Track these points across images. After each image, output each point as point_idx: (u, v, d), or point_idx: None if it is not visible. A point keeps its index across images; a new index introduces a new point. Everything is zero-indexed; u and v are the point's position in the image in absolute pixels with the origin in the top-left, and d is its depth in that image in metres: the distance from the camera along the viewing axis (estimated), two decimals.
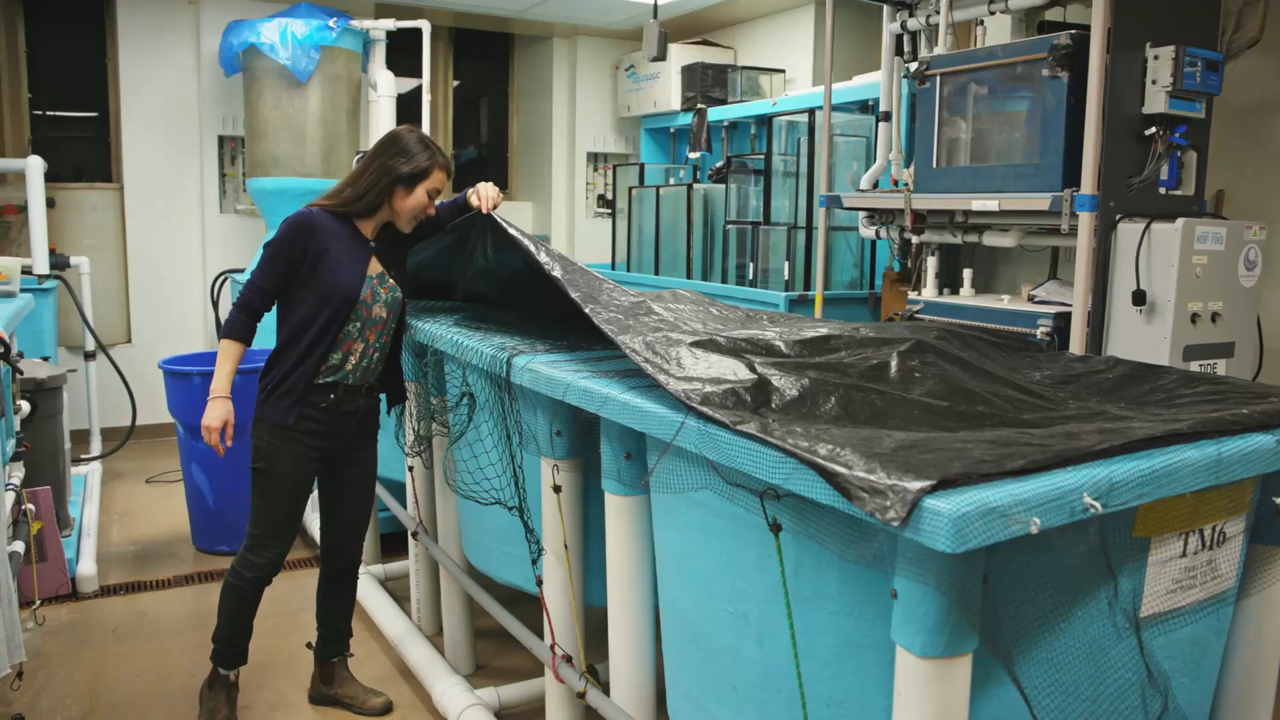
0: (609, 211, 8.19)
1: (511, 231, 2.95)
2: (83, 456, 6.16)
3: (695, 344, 2.08)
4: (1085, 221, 3.63)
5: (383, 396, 3.37)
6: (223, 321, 3.07)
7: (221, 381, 3.04)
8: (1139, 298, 3.53)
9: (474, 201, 3.14)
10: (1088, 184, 3.61)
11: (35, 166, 5.73)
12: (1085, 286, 3.67)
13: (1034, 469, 1.45)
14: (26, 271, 5.44)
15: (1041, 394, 2.23)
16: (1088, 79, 3.57)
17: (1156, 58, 3.59)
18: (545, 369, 2.35)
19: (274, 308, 3.13)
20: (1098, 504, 1.42)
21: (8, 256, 4.92)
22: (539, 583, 2.67)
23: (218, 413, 3.05)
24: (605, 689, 2.55)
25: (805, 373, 2.04)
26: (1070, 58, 3.69)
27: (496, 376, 2.63)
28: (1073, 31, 3.73)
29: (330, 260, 3.03)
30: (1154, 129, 3.65)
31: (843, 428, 1.72)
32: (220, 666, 3.28)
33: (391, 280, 3.18)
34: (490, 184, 3.20)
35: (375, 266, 3.15)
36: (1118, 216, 3.65)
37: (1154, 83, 3.61)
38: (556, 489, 2.50)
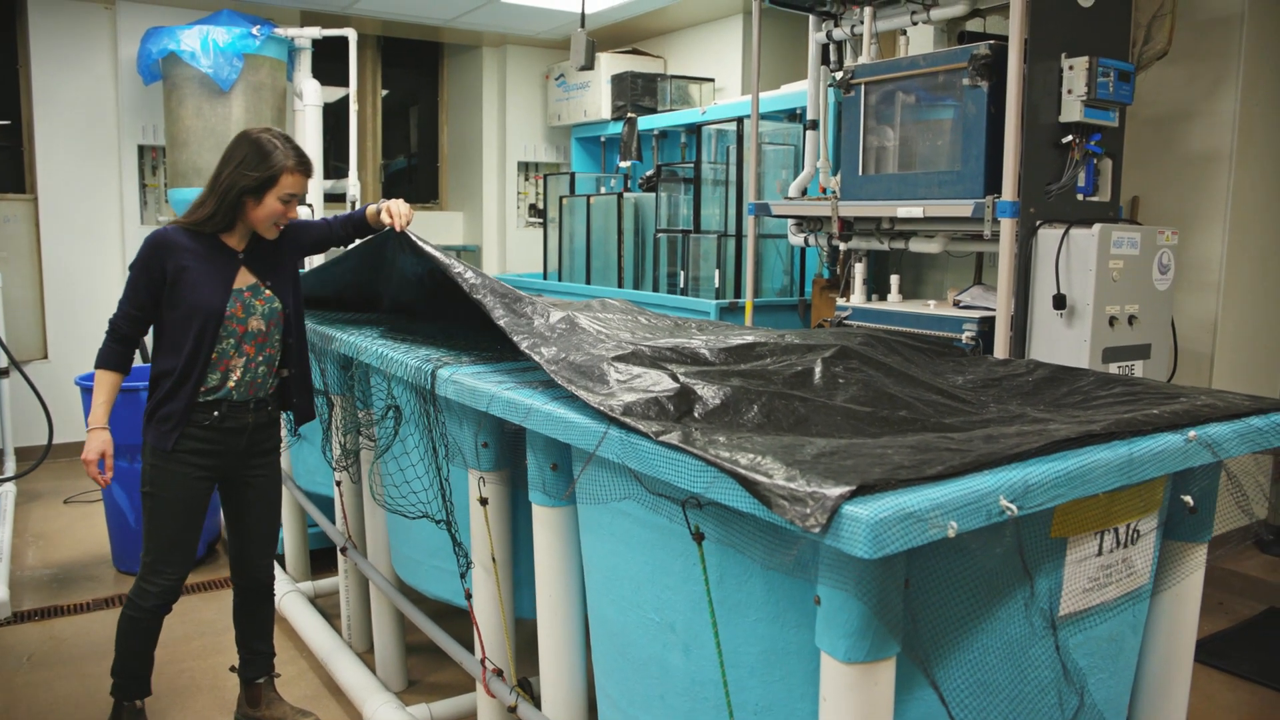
0: (540, 221, 8.17)
1: (428, 249, 2.89)
2: None
3: (618, 357, 2.07)
4: (1007, 227, 3.70)
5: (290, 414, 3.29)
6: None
7: (98, 412, 2.95)
8: (1059, 301, 3.61)
9: (385, 220, 3.06)
10: (1008, 190, 3.68)
11: None
12: (1008, 291, 3.74)
13: (952, 473, 1.47)
14: None
15: (963, 398, 2.26)
16: (1006, 88, 3.65)
17: (1071, 68, 3.68)
18: (470, 380, 2.32)
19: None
20: (1013, 506, 1.44)
21: None
22: (468, 596, 2.63)
23: (95, 444, 2.97)
24: (537, 702, 2.52)
25: (729, 381, 2.04)
26: (989, 67, 3.77)
27: (421, 389, 2.59)
28: (991, 42, 3.80)
29: (189, 278, 2.92)
30: (1070, 137, 3.74)
31: (765, 435, 1.72)
32: (124, 699, 3.16)
33: (268, 291, 3.07)
34: (401, 200, 3.12)
35: (245, 279, 3.03)
36: (1038, 222, 3.73)
37: (1069, 92, 3.70)
38: (483, 501, 2.47)
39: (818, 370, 2.23)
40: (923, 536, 1.36)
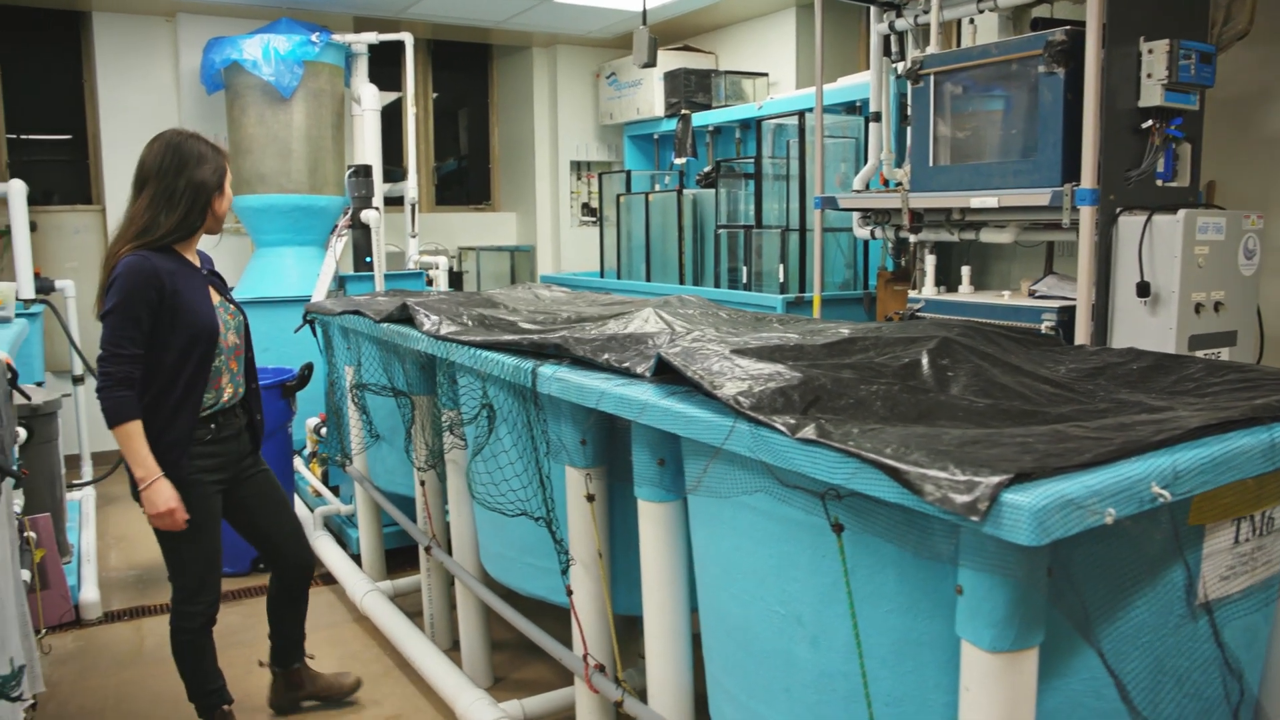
0: (594, 219, 8.20)
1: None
2: (75, 482, 6.06)
3: (734, 351, 2.08)
4: (1086, 215, 3.66)
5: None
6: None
7: (148, 464, 2.85)
8: (1143, 289, 3.56)
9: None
10: (1088, 178, 3.64)
11: (18, 190, 5.66)
12: (1088, 280, 3.70)
13: (1101, 461, 1.46)
14: None
15: (1072, 387, 2.24)
16: (1084, 74, 3.60)
17: (1151, 51, 3.63)
18: (575, 378, 2.33)
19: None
20: (1166, 493, 1.43)
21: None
22: (569, 593, 2.65)
23: (165, 495, 2.86)
24: (641, 696, 2.54)
25: (841, 373, 2.04)
26: (1065, 54, 3.72)
27: (521, 387, 2.61)
28: (1067, 28, 3.76)
29: (184, 300, 2.90)
30: (1150, 122, 3.69)
31: (894, 427, 1.72)
32: (215, 708, 3.22)
33: (232, 305, 3.17)
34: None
35: (214, 295, 3.08)
36: (1118, 210, 3.69)
37: (1149, 76, 3.66)
38: (590, 498, 2.49)
39: (925, 362, 2.22)
40: (1081, 524, 1.35)
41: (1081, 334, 3.76)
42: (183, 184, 2.90)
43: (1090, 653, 1.65)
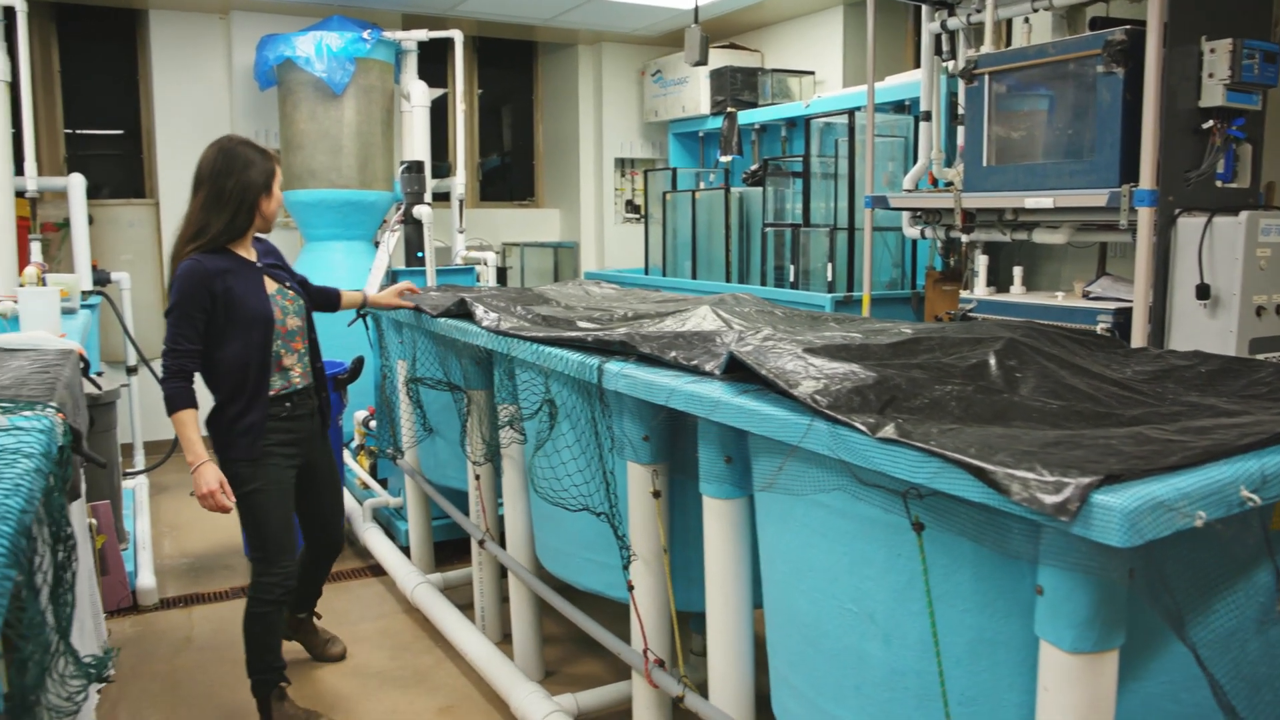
0: (637, 216, 8.22)
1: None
2: (128, 470, 6.18)
3: (806, 350, 2.09)
4: (1145, 216, 3.64)
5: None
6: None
7: (197, 449, 3.06)
8: (1203, 292, 3.54)
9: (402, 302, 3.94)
10: (1146, 179, 3.62)
11: (77, 184, 5.76)
12: (1145, 282, 3.68)
13: (1189, 464, 1.46)
14: None
15: (1140, 390, 2.23)
16: (1144, 74, 3.58)
17: (1213, 51, 3.60)
18: (643, 375, 2.36)
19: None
20: (1255, 497, 1.43)
21: (61, 274, 4.95)
22: (630, 588, 2.68)
23: (210, 476, 3.07)
24: (701, 691, 2.56)
25: (913, 373, 2.05)
26: (1125, 53, 3.70)
27: (585, 383, 2.64)
28: (1127, 27, 3.73)
29: (236, 295, 3.11)
30: (1211, 122, 3.66)
31: (972, 428, 1.73)
32: (268, 695, 3.32)
33: (291, 291, 3.35)
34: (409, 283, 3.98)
35: (271, 285, 3.27)
36: (1177, 211, 3.66)
37: (1211, 76, 3.62)
38: (656, 494, 2.51)
39: (992, 363, 2.22)
40: (1172, 526, 1.36)
41: (1138, 336, 3.73)
42: (231, 185, 3.10)
43: (1168, 656, 1.65)
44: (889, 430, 1.64)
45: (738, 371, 2.17)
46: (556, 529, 3.13)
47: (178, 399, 3.06)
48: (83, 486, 3.87)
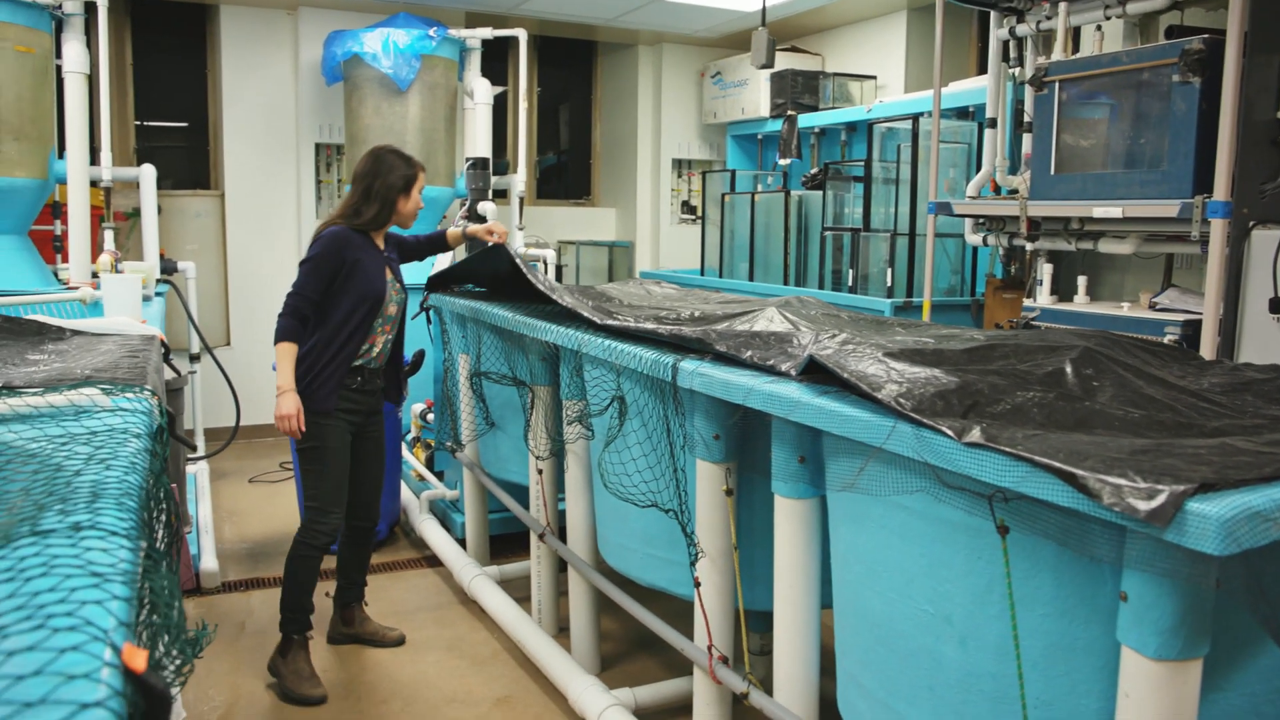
0: (693, 217, 8.24)
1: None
2: (190, 456, 6.31)
3: (886, 354, 2.11)
4: (1217, 228, 3.60)
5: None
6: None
7: (287, 377, 3.50)
8: (1276, 305, 3.49)
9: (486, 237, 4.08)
10: (1220, 190, 3.58)
11: (149, 175, 5.89)
12: (1217, 294, 3.64)
13: (1277, 476, 1.46)
14: None
15: (1219, 402, 2.22)
16: (1222, 84, 3.55)
17: None
18: (719, 374, 2.38)
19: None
20: None
21: (132, 262, 5.07)
22: (696, 584, 2.70)
23: (291, 402, 3.49)
24: (766, 689, 2.58)
25: (990, 379, 2.05)
26: (1202, 63, 3.67)
27: (658, 381, 2.67)
28: (1205, 36, 3.70)
29: (362, 268, 3.59)
30: None
31: (1055, 434, 1.74)
32: (294, 633, 3.66)
33: (398, 285, 3.79)
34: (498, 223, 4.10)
35: (388, 273, 3.73)
36: (1251, 223, 3.62)
37: None
38: (729, 492, 2.54)
39: (1069, 371, 2.22)
40: (1267, 536, 1.36)
41: (1207, 348, 3.69)
42: (376, 185, 3.62)
43: (1253, 668, 1.65)
44: (975, 434, 1.65)
45: (815, 373, 2.19)
46: (621, 525, 3.17)
47: (287, 332, 3.51)
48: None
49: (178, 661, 1.71)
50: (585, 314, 3.17)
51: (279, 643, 3.67)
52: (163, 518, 1.88)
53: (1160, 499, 1.37)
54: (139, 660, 0.85)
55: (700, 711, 2.87)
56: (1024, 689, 1.77)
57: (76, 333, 3.04)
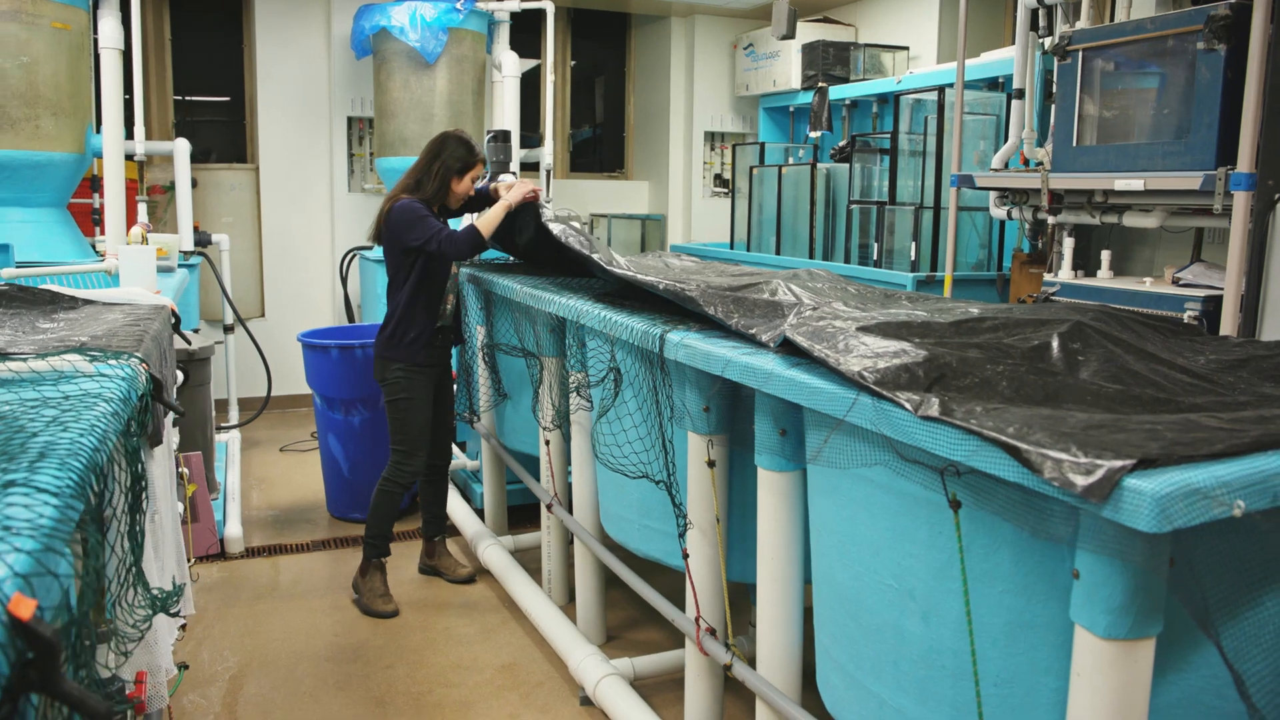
0: (725, 191, 8.19)
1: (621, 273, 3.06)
2: (223, 425, 6.44)
3: (860, 328, 2.09)
4: (1241, 201, 3.50)
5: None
6: (455, 241, 3.90)
7: (498, 209, 3.89)
8: None
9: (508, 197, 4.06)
10: (1245, 161, 3.48)
11: (183, 149, 5.99)
12: (1238, 269, 3.55)
13: (1233, 452, 1.43)
14: None
15: (1210, 378, 2.17)
16: (1248, 51, 3.44)
17: None
18: (702, 345, 2.38)
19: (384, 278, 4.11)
20: None
21: (164, 234, 5.17)
22: (685, 556, 2.71)
23: (520, 189, 3.95)
24: (750, 661, 2.59)
25: (968, 352, 2.03)
26: (1228, 29, 3.55)
27: (648, 352, 2.67)
28: (1231, 1, 3.58)
29: None
30: None
31: (1018, 408, 1.71)
32: (373, 557, 4.10)
33: None
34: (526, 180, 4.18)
35: None
36: (1276, 196, 3.51)
37: None
38: (711, 464, 2.54)
39: (1055, 345, 2.18)
40: (1207, 514, 1.33)
41: (1228, 325, 3.61)
42: (436, 166, 3.99)
43: (1213, 649, 1.62)
44: (931, 407, 1.63)
45: (794, 346, 2.18)
46: (618, 495, 3.18)
47: (468, 231, 3.82)
48: (170, 434, 4.05)
49: (141, 613, 1.76)
50: (593, 258, 3.28)
51: (360, 564, 4.14)
52: (140, 480, 1.93)
53: (1098, 474, 1.35)
54: (24, 609, 0.88)
55: (691, 682, 2.89)
56: (983, 666, 1.75)
57: (88, 302, 3.11)
